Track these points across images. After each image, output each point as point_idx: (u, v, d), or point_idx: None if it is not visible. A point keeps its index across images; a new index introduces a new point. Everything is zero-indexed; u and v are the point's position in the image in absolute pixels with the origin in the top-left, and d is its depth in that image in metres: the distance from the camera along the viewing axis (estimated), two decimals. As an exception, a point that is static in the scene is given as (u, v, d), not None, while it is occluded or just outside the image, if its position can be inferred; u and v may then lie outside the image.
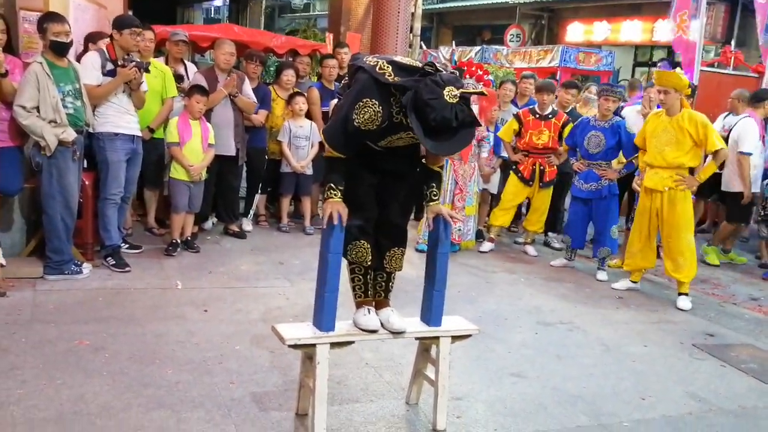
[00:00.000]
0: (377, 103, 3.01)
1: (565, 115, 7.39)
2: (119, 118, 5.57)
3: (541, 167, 7.28)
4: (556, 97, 8.38)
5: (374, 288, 3.50)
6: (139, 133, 5.81)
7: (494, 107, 7.35)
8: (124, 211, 5.94)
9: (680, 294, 5.99)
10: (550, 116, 7.26)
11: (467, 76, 8.24)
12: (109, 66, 5.47)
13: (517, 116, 7.37)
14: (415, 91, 2.83)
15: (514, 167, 7.41)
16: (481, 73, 8.48)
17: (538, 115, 7.27)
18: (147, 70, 5.66)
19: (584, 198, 6.68)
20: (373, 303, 3.47)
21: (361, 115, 3.02)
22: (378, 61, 3.06)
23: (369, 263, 3.36)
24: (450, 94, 2.77)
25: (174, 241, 6.22)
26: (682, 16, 9.65)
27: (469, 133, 2.91)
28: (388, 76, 2.99)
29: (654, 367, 4.59)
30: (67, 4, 5.93)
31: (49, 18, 5.05)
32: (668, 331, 5.34)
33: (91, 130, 5.46)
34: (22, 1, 6.32)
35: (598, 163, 6.58)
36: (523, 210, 8.18)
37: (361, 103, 3.01)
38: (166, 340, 4.31)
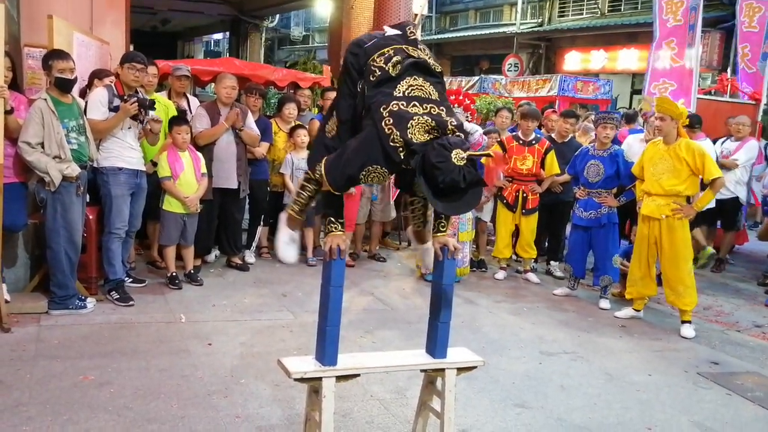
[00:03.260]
0: (386, 171, 3.11)
1: (547, 141, 7.50)
2: (123, 153, 5.62)
3: (524, 194, 7.35)
4: (542, 125, 8.50)
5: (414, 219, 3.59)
6: (143, 168, 5.86)
7: (501, 169, 7.44)
8: (128, 246, 5.96)
9: (683, 322, 5.99)
10: (533, 142, 7.39)
11: (455, 104, 8.42)
12: (117, 102, 5.53)
13: (500, 142, 7.48)
14: (423, 155, 2.87)
15: (498, 193, 7.49)
16: (468, 102, 8.64)
17: (521, 141, 7.38)
18: (152, 107, 5.69)
19: (584, 226, 6.72)
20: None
21: (369, 178, 3.14)
22: (391, 129, 2.99)
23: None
24: (457, 156, 2.80)
25: (172, 274, 6.24)
26: (669, 44, 9.78)
27: (477, 193, 2.94)
28: (400, 149, 2.99)
29: (659, 397, 4.58)
30: (71, 41, 6.01)
31: (54, 55, 5.12)
32: (672, 359, 5.33)
33: (95, 165, 5.51)
34: (26, 37, 6.42)
35: (597, 191, 6.62)
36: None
37: (371, 168, 3.08)
38: (171, 374, 4.31)
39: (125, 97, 5.52)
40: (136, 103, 5.49)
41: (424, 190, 2.90)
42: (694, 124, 7.93)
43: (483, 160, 7.21)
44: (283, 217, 3.72)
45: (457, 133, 2.95)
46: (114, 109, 5.50)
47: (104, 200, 5.63)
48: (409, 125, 2.97)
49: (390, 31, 3.35)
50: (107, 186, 5.58)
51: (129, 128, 5.65)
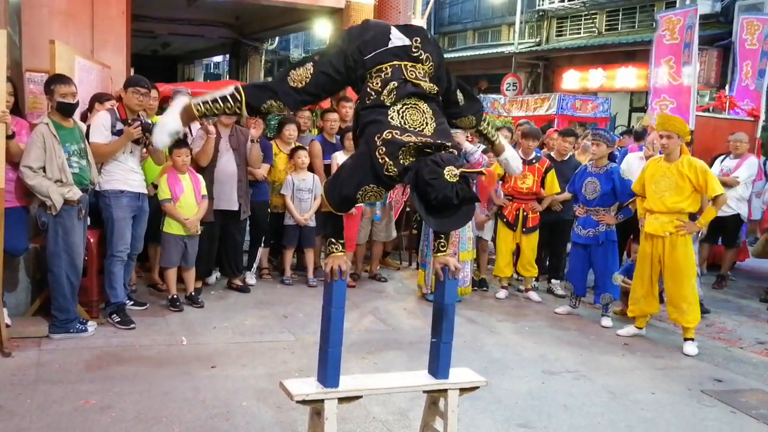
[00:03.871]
0: (383, 190, 3.19)
1: (548, 160, 7.52)
2: (125, 176, 5.63)
3: (525, 213, 7.36)
4: (543, 144, 8.52)
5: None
6: (145, 191, 5.86)
7: (493, 187, 7.46)
8: (130, 269, 5.96)
9: (686, 339, 5.97)
10: (533, 161, 7.40)
11: None
12: (120, 125, 5.56)
13: None
14: (416, 172, 2.88)
15: (499, 212, 7.50)
16: None
17: (522, 160, 7.37)
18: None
19: (583, 244, 6.73)
20: None
21: (366, 197, 3.20)
22: (384, 159, 3.05)
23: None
24: (450, 173, 2.81)
25: (173, 296, 6.24)
26: (668, 62, 9.85)
27: (470, 209, 2.96)
28: (395, 176, 3.06)
29: (663, 415, 4.55)
30: (73, 66, 6.06)
31: (56, 80, 5.16)
32: (675, 377, 5.30)
33: (97, 189, 5.52)
34: (28, 62, 6.47)
35: (595, 209, 6.64)
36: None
37: (367, 188, 3.15)
38: (173, 397, 4.29)
39: (129, 121, 5.54)
40: (140, 128, 5.50)
41: (416, 206, 2.93)
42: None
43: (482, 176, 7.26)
44: (182, 101, 3.50)
45: (450, 150, 2.96)
46: (117, 132, 5.52)
47: (106, 223, 5.64)
48: (400, 152, 2.99)
49: (395, 39, 3.29)
50: (109, 209, 5.58)
51: (131, 152, 5.67)
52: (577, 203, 6.89)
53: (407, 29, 3.37)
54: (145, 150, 5.78)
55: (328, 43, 3.46)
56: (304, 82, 3.34)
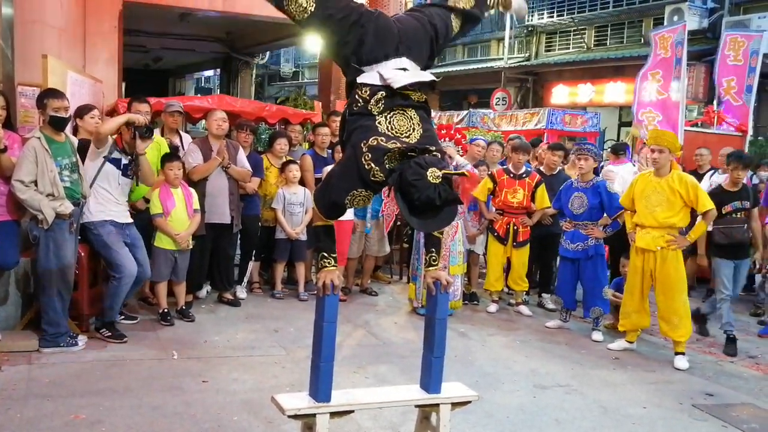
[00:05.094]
0: (371, 194, 3.25)
1: (538, 175, 7.56)
2: (108, 207, 5.55)
3: (515, 227, 7.40)
4: (535, 157, 8.58)
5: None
6: (129, 220, 5.76)
7: (475, 188, 7.52)
8: (134, 290, 5.91)
9: (677, 353, 5.99)
10: (524, 176, 7.44)
11: (445, 138, 8.49)
12: (116, 154, 5.58)
13: (491, 175, 7.53)
14: (399, 173, 2.92)
15: (489, 226, 7.54)
16: (459, 137, 8.73)
17: (512, 175, 7.43)
18: (150, 134, 5.65)
19: (571, 258, 6.76)
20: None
21: (354, 202, 3.25)
22: (370, 165, 3.10)
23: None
24: (433, 175, 2.86)
25: (164, 310, 6.22)
26: (655, 76, 9.96)
27: (452, 210, 3.00)
28: (374, 176, 3.11)
29: (654, 429, 4.57)
30: (65, 80, 6.07)
31: (49, 94, 5.17)
32: (667, 391, 5.32)
33: (85, 219, 5.45)
34: (20, 76, 6.47)
35: (584, 223, 6.68)
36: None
37: (356, 192, 3.20)
38: (163, 412, 4.27)
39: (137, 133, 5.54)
40: (140, 120, 5.50)
41: (400, 206, 2.98)
42: (618, 150, 8.78)
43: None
44: None
45: (434, 153, 3.01)
46: (111, 160, 5.54)
47: (103, 253, 5.54)
48: (385, 158, 3.04)
49: (395, 63, 3.28)
50: (99, 237, 5.49)
51: (118, 184, 5.64)
52: (563, 219, 6.93)
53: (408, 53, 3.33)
54: (134, 182, 5.76)
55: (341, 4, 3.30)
56: (304, 13, 3.23)
